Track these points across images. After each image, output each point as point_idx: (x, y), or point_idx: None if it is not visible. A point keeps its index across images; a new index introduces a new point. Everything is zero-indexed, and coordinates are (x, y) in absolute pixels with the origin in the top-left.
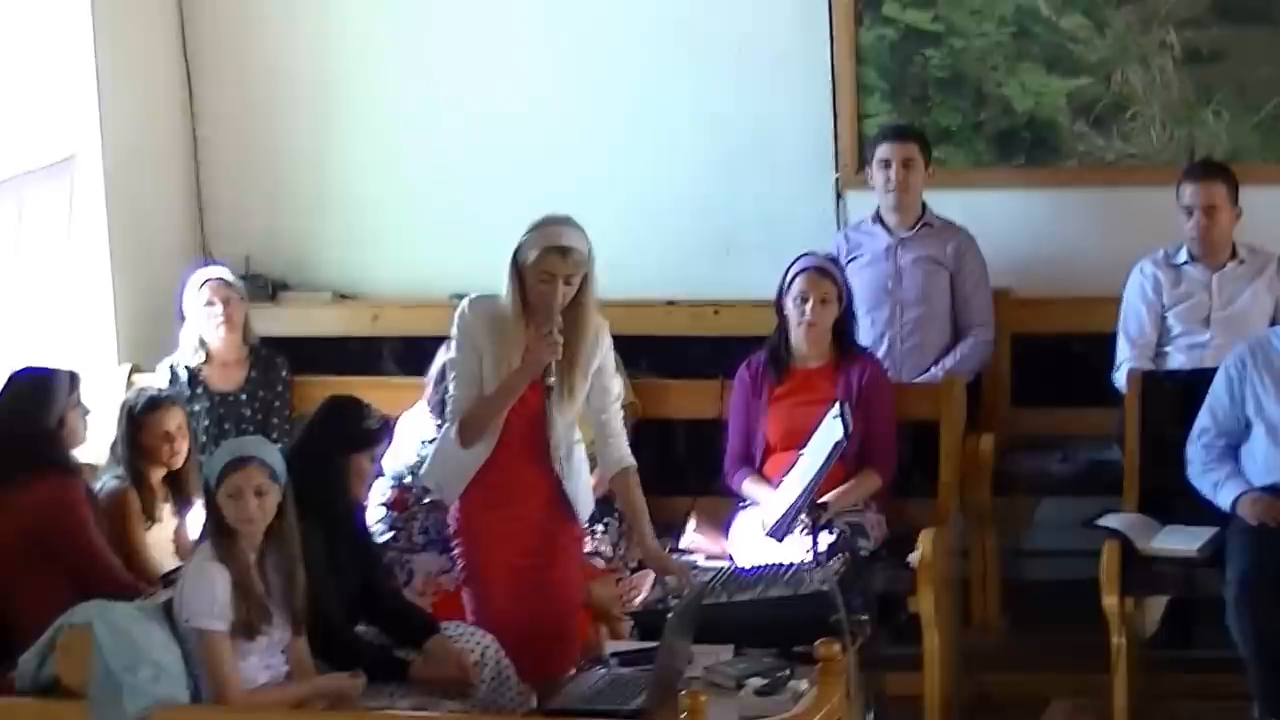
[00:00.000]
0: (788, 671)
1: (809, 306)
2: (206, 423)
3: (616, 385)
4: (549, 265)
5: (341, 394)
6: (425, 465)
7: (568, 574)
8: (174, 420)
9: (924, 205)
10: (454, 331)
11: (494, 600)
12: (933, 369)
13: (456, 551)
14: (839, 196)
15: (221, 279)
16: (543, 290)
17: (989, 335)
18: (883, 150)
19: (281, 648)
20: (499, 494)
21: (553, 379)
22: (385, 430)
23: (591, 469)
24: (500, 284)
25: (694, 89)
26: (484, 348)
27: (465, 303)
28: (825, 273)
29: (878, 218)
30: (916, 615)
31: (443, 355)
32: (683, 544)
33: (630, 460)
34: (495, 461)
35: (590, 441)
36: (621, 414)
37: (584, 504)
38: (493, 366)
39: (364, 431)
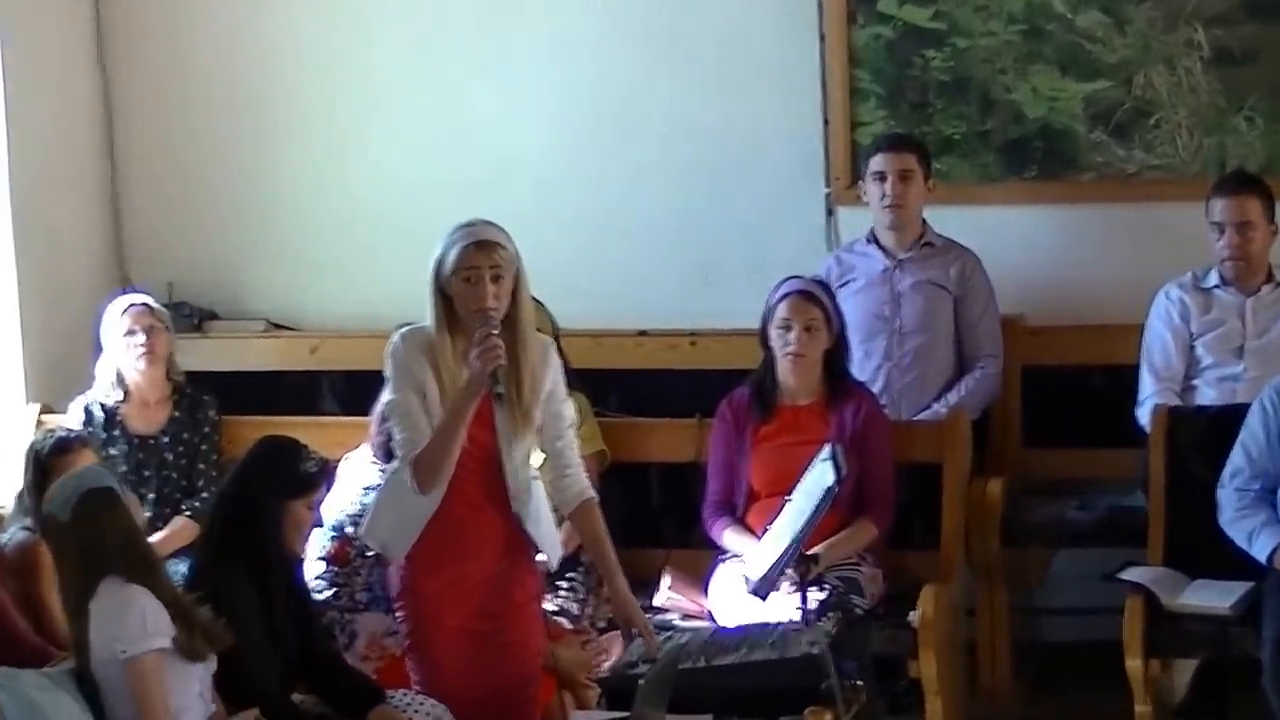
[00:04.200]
0: None
1: (793, 335)
2: (125, 468)
3: (570, 410)
4: (470, 261)
5: (276, 434)
6: (366, 521)
7: (526, 636)
8: (85, 463)
9: (924, 223)
10: (388, 370)
11: (443, 667)
12: (935, 405)
13: (400, 614)
14: (830, 214)
15: (145, 305)
16: (470, 293)
17: (997, 367)
18: (878, 162)
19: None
20: (451, 546)
21: (501, 387)
22: (325, 475)
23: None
24: None
25: (669, 95)
26: (425, 382)
27: (396, 336)
28: (811, 297)
29: (873, 237)
30: (918, 681)
31: (387, 394)
32: (656, 601)
33: (591, 492)
34: (446, 510)
35: (547, 482)
36: (577, 443)
37: (549, 544)
38: (439, 400)
39: (301, 475)
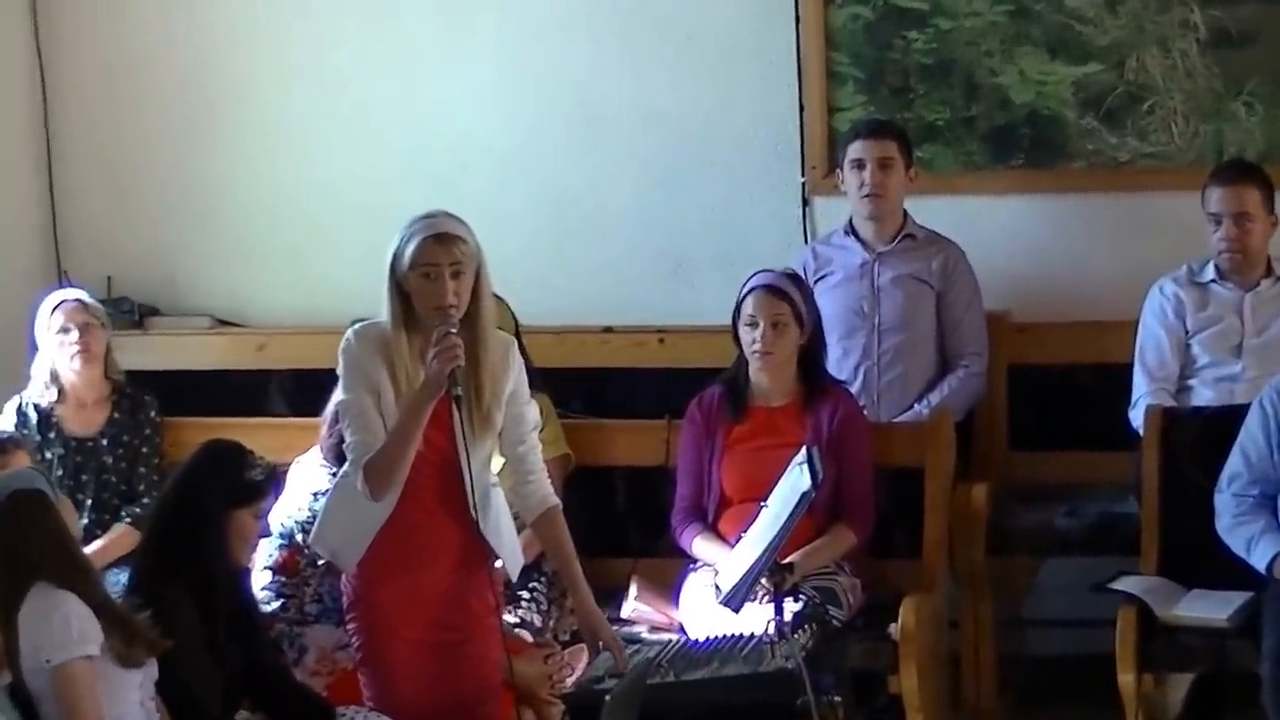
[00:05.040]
0: None
1: (759, 332)
2: (60, 472)
3: (533, 412)
4: (429, 256)
5: (221, 438)
6: (315, 527)
7: (485, 649)
8: (19, 465)
9: (905, 214)
10: (341, 369)
11: (398, 682)
12: (917, 406)
13: (352, 626)
14: (806, 204)
15: (79, 301)
16: (428, 289)
17: (982, 366)
18: (856, 149)
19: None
20: (405, 555)
21: (459, 390)
22: (271, 482)
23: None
24: None
25: (635, 79)
26: (380, 382)
27: (350, 333)
28: (779, 292)
29: (851, 229)
30: (898, 696)
31: (339, 394)
32: (623, 613)
33: (554, 499)
34: (400, 515)
35: (508, 488)
36: (540, 447)
37: (510, 553)
38: (394, 402)
39: (246, 483)
